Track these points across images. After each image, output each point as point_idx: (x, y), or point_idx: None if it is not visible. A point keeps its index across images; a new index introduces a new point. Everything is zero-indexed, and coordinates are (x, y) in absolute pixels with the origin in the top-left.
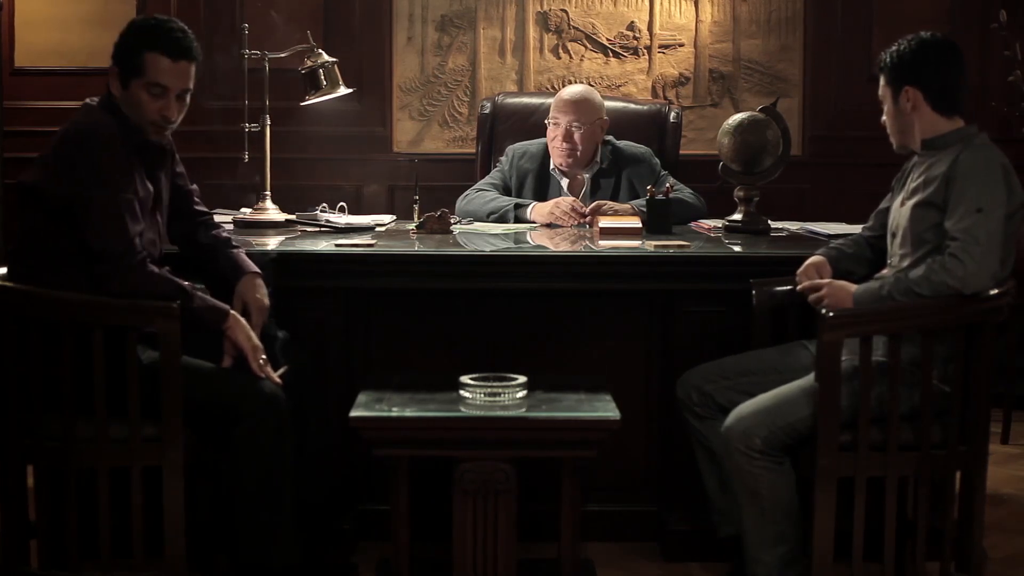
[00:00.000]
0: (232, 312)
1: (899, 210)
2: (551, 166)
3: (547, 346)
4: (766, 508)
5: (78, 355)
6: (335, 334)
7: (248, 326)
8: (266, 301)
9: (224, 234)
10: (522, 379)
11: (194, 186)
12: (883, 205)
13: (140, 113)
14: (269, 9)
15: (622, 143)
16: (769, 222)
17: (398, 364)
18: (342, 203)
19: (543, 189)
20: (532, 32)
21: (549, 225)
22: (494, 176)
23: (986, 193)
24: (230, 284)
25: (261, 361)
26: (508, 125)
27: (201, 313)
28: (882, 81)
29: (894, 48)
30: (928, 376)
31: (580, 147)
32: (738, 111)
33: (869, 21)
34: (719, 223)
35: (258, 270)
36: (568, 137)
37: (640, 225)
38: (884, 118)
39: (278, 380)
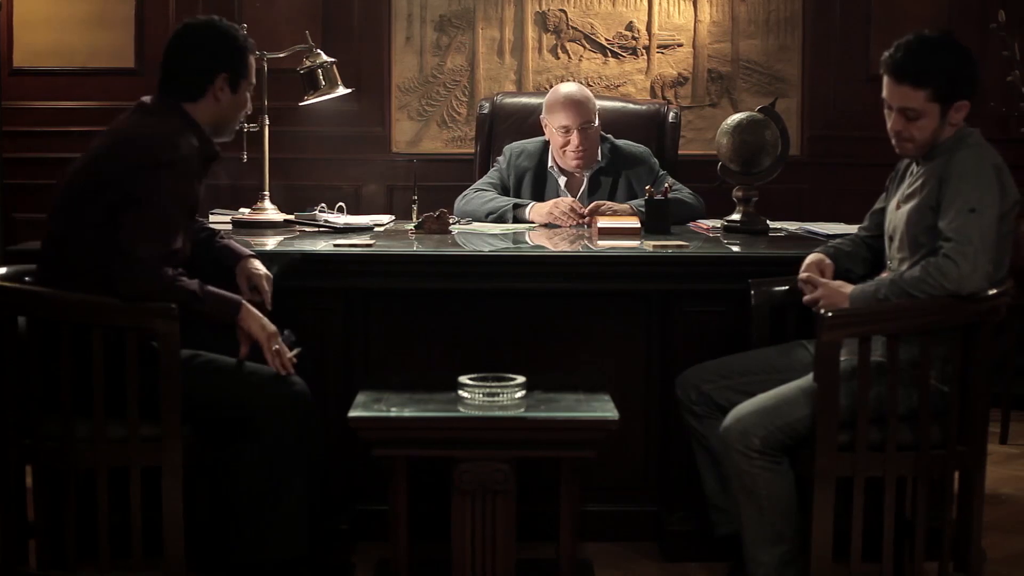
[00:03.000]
0: (244, 303)
1: (895, 213)
2: (549, 164)
3: (546, 346)
4: (764, 508)
5: (78, 355)
6: (334, 334)
7: (260, 315)
8: (268, 272)
9: (209, 225)
10: (521, 379)
11: None
12: (878, 205)
13: (240, 114)
14: (268, 9)
15: (620, 142)
16: (768, 222)
17: (397, 364)
18: (341, 203)
19: (541, 188)
20: (531, 32)
21: (548, 225)
22: (492, 176)
23: (979, 193)
24: (227, 269)
25: (276, 348)
26: (507, 125)
27: (214, 311)
28: (922, 96)
29: (936, 61)
30: (927, 376)
31: (595, 146)
32: (737, 111)
33: (868, 21)
34: (718, 223)
35: (252, 253)
36: (585, 139)
37: (639, 225)
38: (894, 126)
39: (291, 368)
